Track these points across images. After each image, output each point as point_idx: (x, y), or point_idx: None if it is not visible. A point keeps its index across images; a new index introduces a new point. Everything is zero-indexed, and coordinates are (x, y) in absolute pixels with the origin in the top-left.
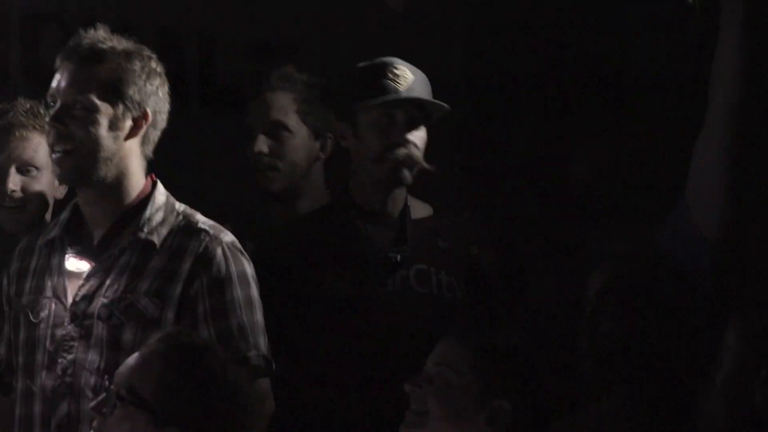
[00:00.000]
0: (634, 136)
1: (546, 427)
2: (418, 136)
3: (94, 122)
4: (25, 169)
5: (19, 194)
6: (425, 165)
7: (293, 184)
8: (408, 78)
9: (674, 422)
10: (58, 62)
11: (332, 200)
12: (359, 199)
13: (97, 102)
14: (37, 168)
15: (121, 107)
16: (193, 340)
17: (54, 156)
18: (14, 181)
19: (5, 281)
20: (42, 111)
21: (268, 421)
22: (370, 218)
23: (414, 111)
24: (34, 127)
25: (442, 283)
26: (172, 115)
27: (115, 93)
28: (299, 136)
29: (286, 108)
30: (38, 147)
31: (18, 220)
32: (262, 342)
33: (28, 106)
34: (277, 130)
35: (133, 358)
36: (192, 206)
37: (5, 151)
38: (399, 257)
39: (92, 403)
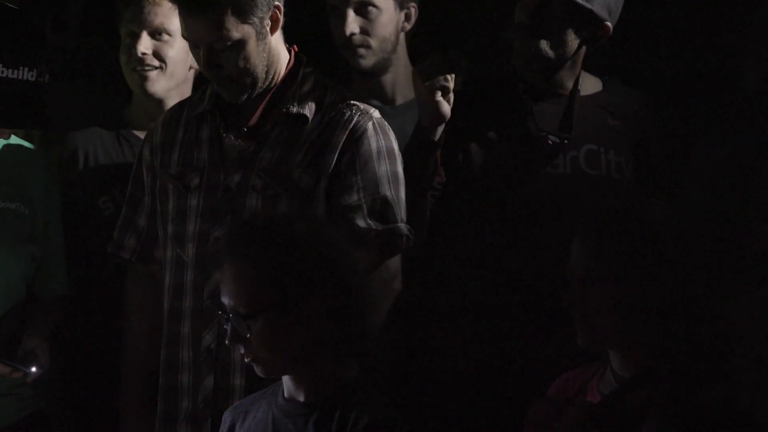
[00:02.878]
0: None
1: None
2: None
3: (244, 51)
4: (156, 34)
5: (151, 58)
6: None
7: (383, 58)
8: None
9: None
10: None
11: (499, 74)
12: (527, 75)
13: (238, 34)
14: (169, 33)
15: (257, 20)
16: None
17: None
18: (145, 45)
19: (147, 151)
20: None
21: (391, 298)
22: (539, 96)
23: None
24: None
25: (611, 163)
26: None
27: (247, 13)
28: (386, 10)
29: None
30: (169, 13)
31: (157, 82)
32: (405, 217)
33: None
34: (365, 8)
35: (225, 282)
36: None
37: (138, 19)
38: (563, 141)
39: (228, 341)
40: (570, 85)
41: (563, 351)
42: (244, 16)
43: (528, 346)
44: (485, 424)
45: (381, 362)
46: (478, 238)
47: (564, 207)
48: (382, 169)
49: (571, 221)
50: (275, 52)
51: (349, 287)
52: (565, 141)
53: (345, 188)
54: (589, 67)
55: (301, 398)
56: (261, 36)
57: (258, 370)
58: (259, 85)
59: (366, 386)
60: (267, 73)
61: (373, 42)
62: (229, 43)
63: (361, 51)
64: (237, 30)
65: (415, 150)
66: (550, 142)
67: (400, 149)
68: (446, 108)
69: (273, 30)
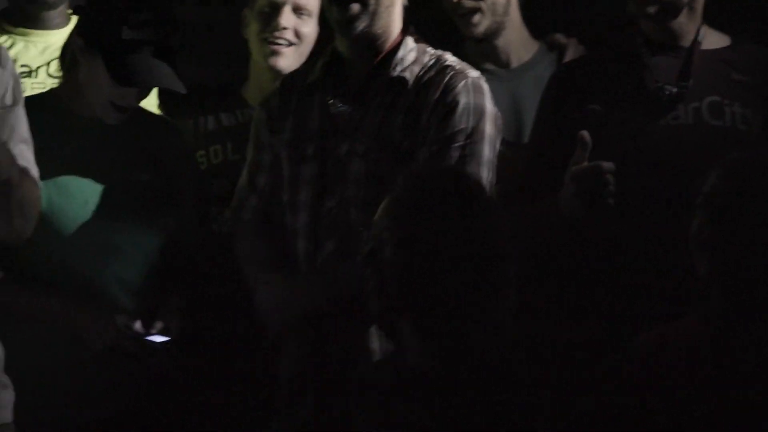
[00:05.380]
0: None
1: None
2: None
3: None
4: (299, 11)
5: (290, 33)
6: None
7: (496, 22)
8: None
9: None
10: None
11: (621, 30)
12: (646, 28)
13: None
14: (308, 14)
15: None
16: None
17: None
18: (288, 20)
19: (264, 115)
20: None
21: None
22: (657, 49)
23: None
24: None
25: (736, 115)
26: None
27: None
28: None
29: None
30: None
31: (288, 58)
32: (485, 173)
33: None
34: None
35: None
36: None
37: None
38: (681, 91)
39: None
40: (690, 36)
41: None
42: None
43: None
44: None
45: None
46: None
47: (687, 158)
48: (465, 124)
49: (695, 172)
50: (395, 12)
51: None
52: (684, 91)
53: (427, 141)
54: (719, 26)
55: None
56: None
57: None
58: (373, 30)
59: None
60: (381, 25)
61: (484, 5)
62: None
63: (475, 19)
64: None
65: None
66: (666, 92)
67: (513, 112)
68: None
69: None
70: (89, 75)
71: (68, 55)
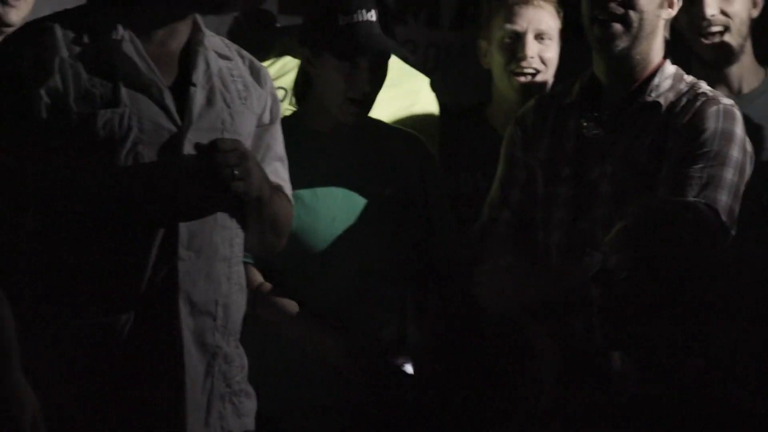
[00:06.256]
0: None
1: None
2: None
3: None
4: (540, 37)
5: (536, 61)
6: None
7: (739, 44)
8: None
9: None
10: None
11: None
12: None
13: None
14: (550, 37)
15: None
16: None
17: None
18: (532, 48)
19: (519, 132)
20: None
21: None
22: None
23: None
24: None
25: None
26: None
27: None
28: None
29: None
30: (552, 17)
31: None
32: (723, 198)
33: None
34: None
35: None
36: None
37: (524, 20)
38: None
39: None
40: None
41: None
42: None
43: None
44: None
45: None
46: None
47: None
48: (710, 147)
49: None
50: (657, 37)
51: None
52: None
53: (670, 162)
54: None
55: None
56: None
57: None
58: (634, 50)
59: None
60: (642, 48)
61: (732, 24)
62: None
63: (720, 37)
64: None
65: None
66: None
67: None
68: None
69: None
70: (321, 79)
71: (299, 83)
